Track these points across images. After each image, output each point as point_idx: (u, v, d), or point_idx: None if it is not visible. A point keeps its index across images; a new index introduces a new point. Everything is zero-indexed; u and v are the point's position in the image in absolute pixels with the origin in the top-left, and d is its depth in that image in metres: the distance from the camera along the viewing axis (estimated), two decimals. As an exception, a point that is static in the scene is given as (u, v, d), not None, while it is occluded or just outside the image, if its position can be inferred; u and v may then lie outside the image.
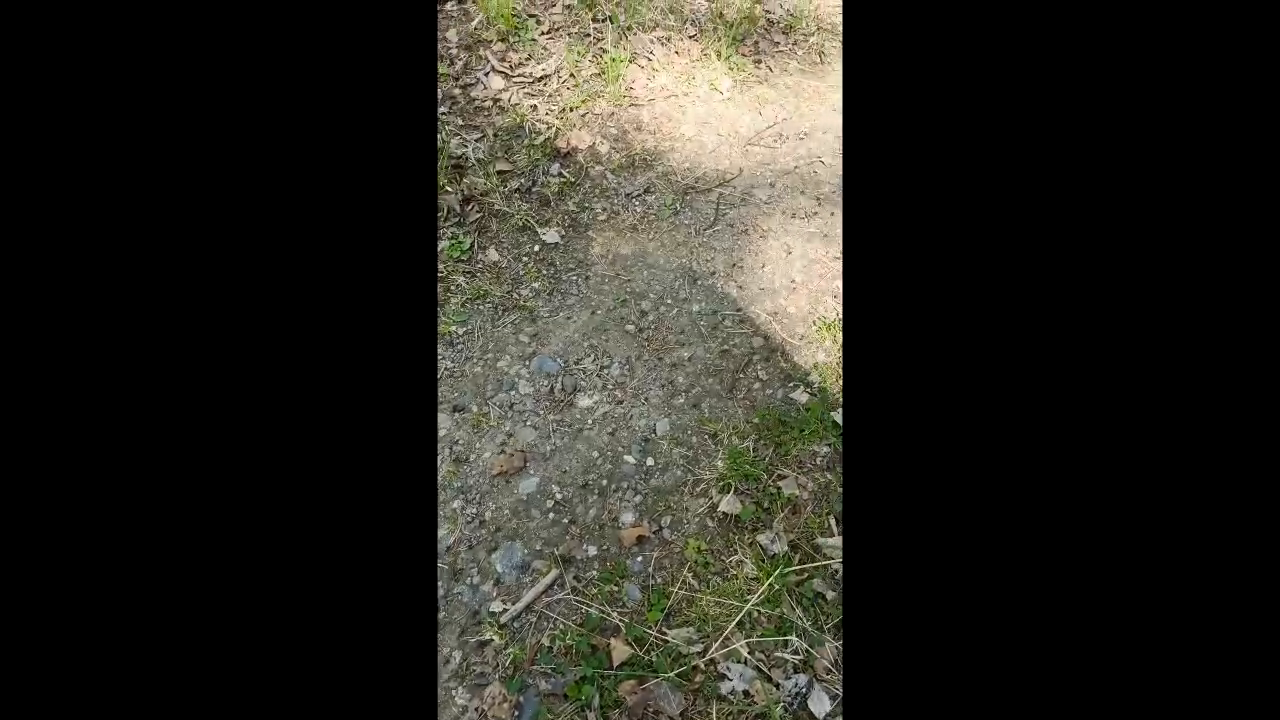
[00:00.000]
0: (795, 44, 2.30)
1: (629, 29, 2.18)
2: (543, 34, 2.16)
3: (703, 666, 1.09)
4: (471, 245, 1.68)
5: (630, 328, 1.57)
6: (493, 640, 1.13)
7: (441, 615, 1.17)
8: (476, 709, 1.07)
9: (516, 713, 1.06)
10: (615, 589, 1.19)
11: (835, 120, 2.08)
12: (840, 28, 2.36)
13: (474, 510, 1.29)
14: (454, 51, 2.10)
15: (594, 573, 1.21)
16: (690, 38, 2.24)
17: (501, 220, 1.75)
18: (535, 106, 1.97)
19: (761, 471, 1.32)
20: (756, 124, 2.06)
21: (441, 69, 2.04)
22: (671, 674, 1.07)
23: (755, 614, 1.14)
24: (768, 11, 2.36)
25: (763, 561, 1.20)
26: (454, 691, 1.09)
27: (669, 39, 2.19)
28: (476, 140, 1.88)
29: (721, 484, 1.31)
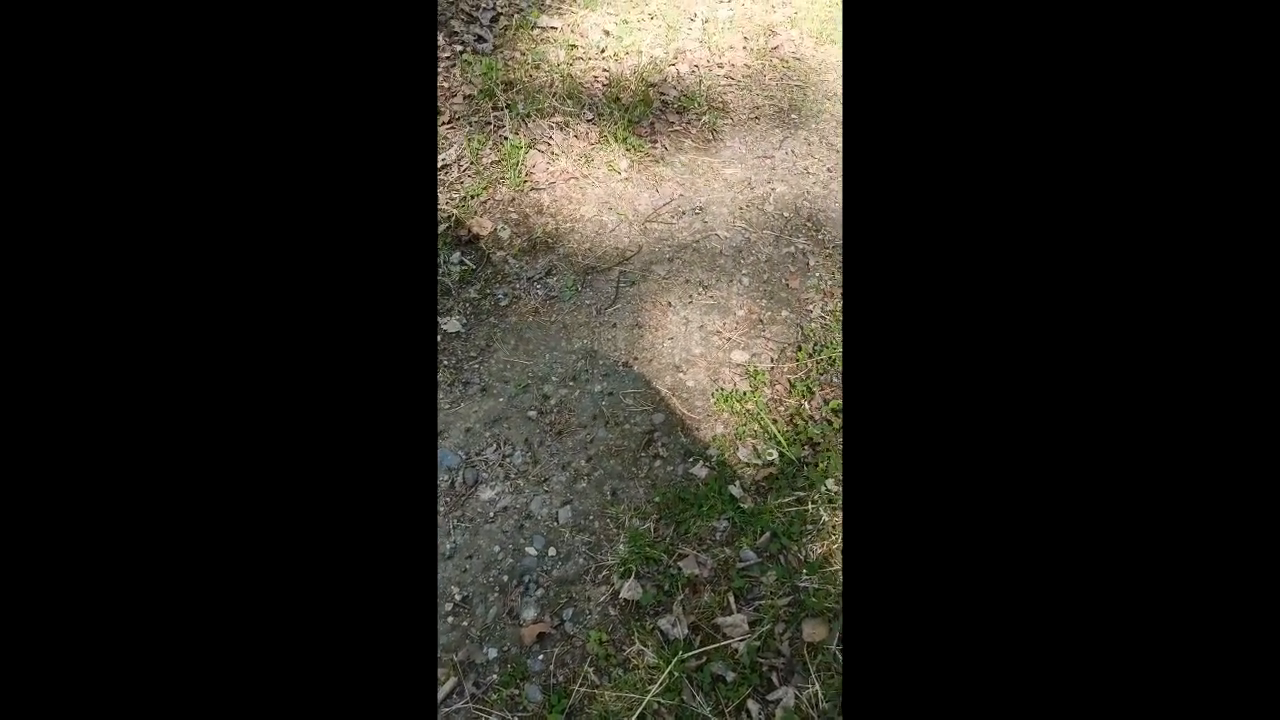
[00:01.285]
0: (689, 123, 2.43)
1: (528, 116, 2.27)
2: (443, 124, 2.22)
3: (604, 767, 1.08)
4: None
5: (533, 413, 1.58)
6: None
7: None
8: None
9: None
10: (516, 692, 1.17)
11: (728, 194, 2.20)
12: (730, 106, 2.51)
13: (370, 620, 1.25)
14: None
15: (494, 676, 1.19)
16: (588, 121, 2.34)
17: (402, 312, 1.76)
18: (437, 196, 2.02)
19: (662, 553, 1.34)
20: (654, 201, 2.15)
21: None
22: (570, 780, 1.05)
23: (656, 705, 1.13)
24: (662, 94, 2.50)
25: (663, 648, 1.20)
26: None
27: (567, 124, 2.29)
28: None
29: (623, 569, 1.32)
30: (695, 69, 2.56)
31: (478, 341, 1.73)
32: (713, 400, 1.62)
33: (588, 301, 1.84)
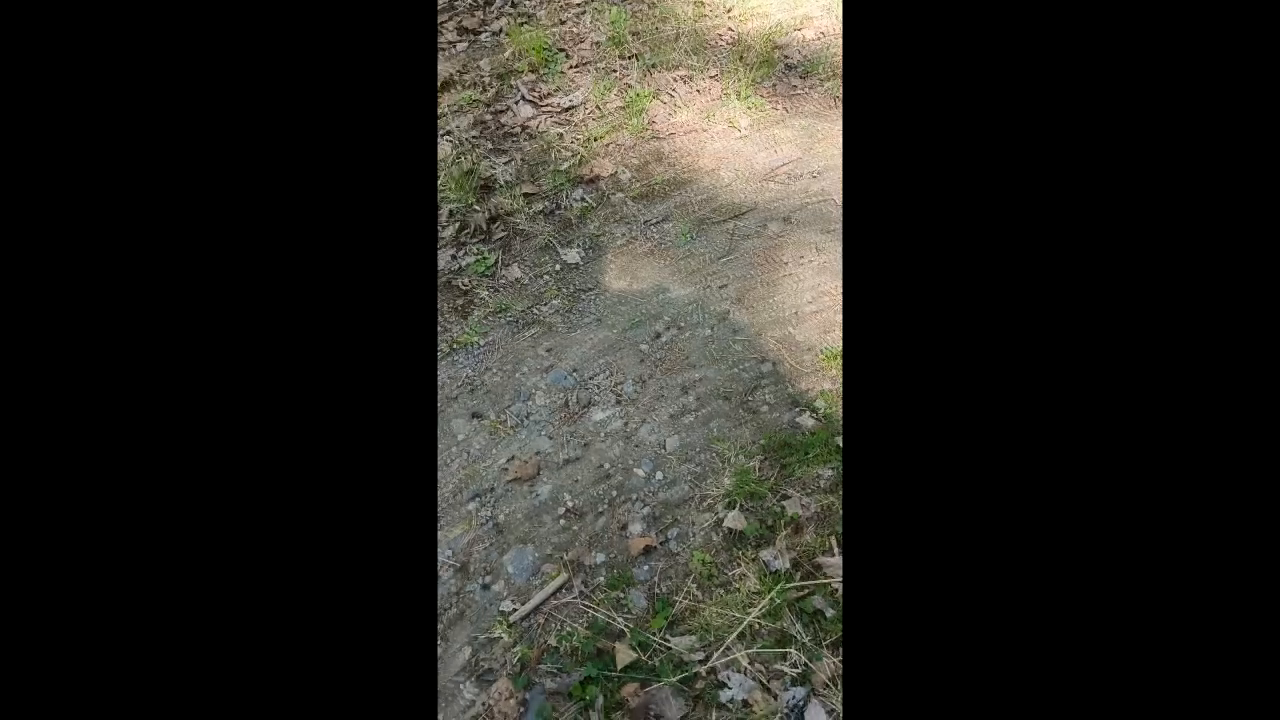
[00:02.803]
0: (811, 88, 2.41)
1: (653, 66, 2.29)
2: (571, 67, 2.27)
3: (704, 674, 1.13)
4: (495, 262, 1.76)
5: (644, 347, 1.63)
6: (502, 638, 1.17)
7: (453, 611, 1.21)
8: (484, 704, 1.10)
9: (522, 709, 1.09)
10: (621, 595, 1.23)
11: (846, 162, 2.18)
12: (854, 76, 2.48)
13: (488, 513, 1.33)
14: (486, 79, 2.21)
15: (601, 579, 1.25)
16: (711, 77, 2.35)
17: (525, 239, 1.83)
18: (561, 135, 2.07)
19: (766, 490, 1.37)
20: (771, 161, 2.16)
21: (475, 95, 2.14)
22: (674, 679, 1.11)
23: (757, 626, 1.18)
24: (786, 57, 2.48)
25: (765, 576, 1.24)
26: (462, 686, 1.12)
27: (691, 78, 2.30)
28: (505, 163, 1.97)
29: (727, 500, 1.36)
30: (821, 35, 2.53)
31: (594, 275, 1.78)
32: (821, 357, 1.64)
33: (701, 250, 1.87)
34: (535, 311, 1.68)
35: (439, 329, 1.63)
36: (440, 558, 1.28)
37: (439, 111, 2.10)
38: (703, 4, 2.54)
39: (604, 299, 1.73)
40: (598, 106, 2.16)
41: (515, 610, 1.20)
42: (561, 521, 1.33)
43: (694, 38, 2.40)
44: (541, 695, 1.10)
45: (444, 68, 2.25)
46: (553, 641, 1.16)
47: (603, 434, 1.47)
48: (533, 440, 1.44)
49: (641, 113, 2.14)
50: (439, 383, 1.54)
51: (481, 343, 1.60)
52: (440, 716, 1.10)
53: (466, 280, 1.72)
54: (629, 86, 2.22)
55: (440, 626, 1.19)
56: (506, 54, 2.24)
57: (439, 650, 1.17)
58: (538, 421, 1.48)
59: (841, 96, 2.38)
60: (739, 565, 1.26)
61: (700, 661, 1.14)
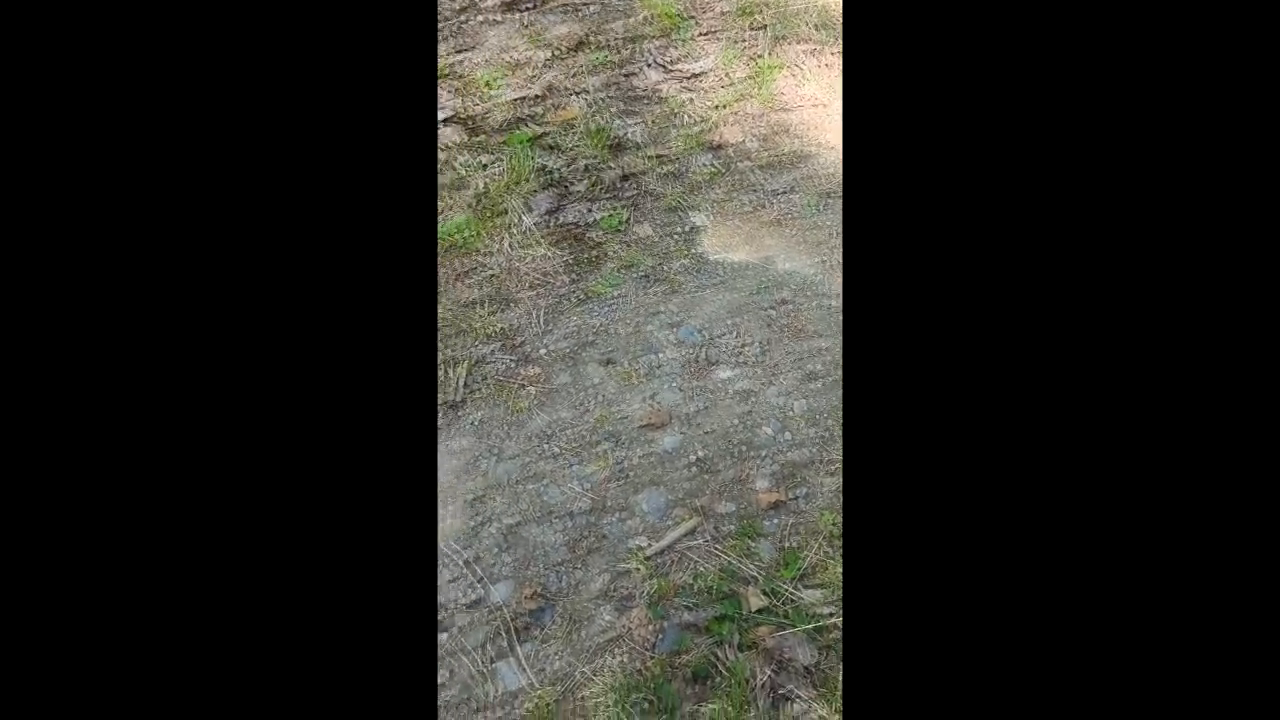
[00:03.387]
0: (939, 70, 2.36)
1: (781, 39, 2.28)
2: (700, 34, 2.27)
3: (833, 628, 1.15)
4: (626, 219, 1.80)
5: (770, 312, 1.65)
6: (636, 570, 1.22)
7: (589, 541, 1.26)
8: (622, 627, 1.15)
9: (659, 636, 1.14)
10: (750, 544, 1.26)
11: (973, 147, 2.13)
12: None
13: (621, 454, 1.38)
14: (618, 41, 2.24)
15: (730, 527, 1.29)
16: (835, 54, 2.32)
17: (654, 200, 1.86)
18: (690, 100, 2.09)
19: (893, 460, 1.38)
20: (897, 141, 2.13)
21: (606, 56, 2.18)
22: (807, 627, 1.14)
23: (886, 587, 1.19)
24: (915, 37, 2.44)
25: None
26: (601, 609, 1.18)
27: (819, 52, 2.28)
28: (634, 124, 2.00)
29: (854, 466, 1.37)
30: (953, 17, 2.47)
31: (721, 238, 1.80)
32: (948, 337, 1.63)
33: (827, 223, 1.87)
34: (663, 269, 1.72)
35: (572, 278, 1.68)
36: (576, 490, 1.33)
37: (572, 71, 2.14)
38: (833, -22, 2.51)
39: (730, 263, 1.75)
40: (725, 75, 2.16)
41: (649, 546, 1.25)
42: (691, 470, 1.37)
43: (821, 13, 2.37)
44: (677, 626, 1.15)
45: (576, 28, 2.29)
46: (686, 579, 1.21)
47: (730, 392, 1.50)
48: (662, 391, 1.48)
49: (769, 83, 2.14)
50: (572, 329, 1.59)
51: (613, 294, 1.65)
52: (580, 635, 1.16)
53: (598, 234, 1.76)
54: (757, 57, 2.21)
55: (578, 554, 1.25)
56: (637, 18, 2.26)
57: (576, 577, 1.23)
58: (668, 374, 1.51)
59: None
60: (868, 528, 1.28)
61: (829, 615, 1.16)
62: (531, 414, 1.45)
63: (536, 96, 2.04)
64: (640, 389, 1.48)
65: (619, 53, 2.18)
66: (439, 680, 1.11)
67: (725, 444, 1.41)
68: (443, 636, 1.16)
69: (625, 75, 2.13)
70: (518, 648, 1.14)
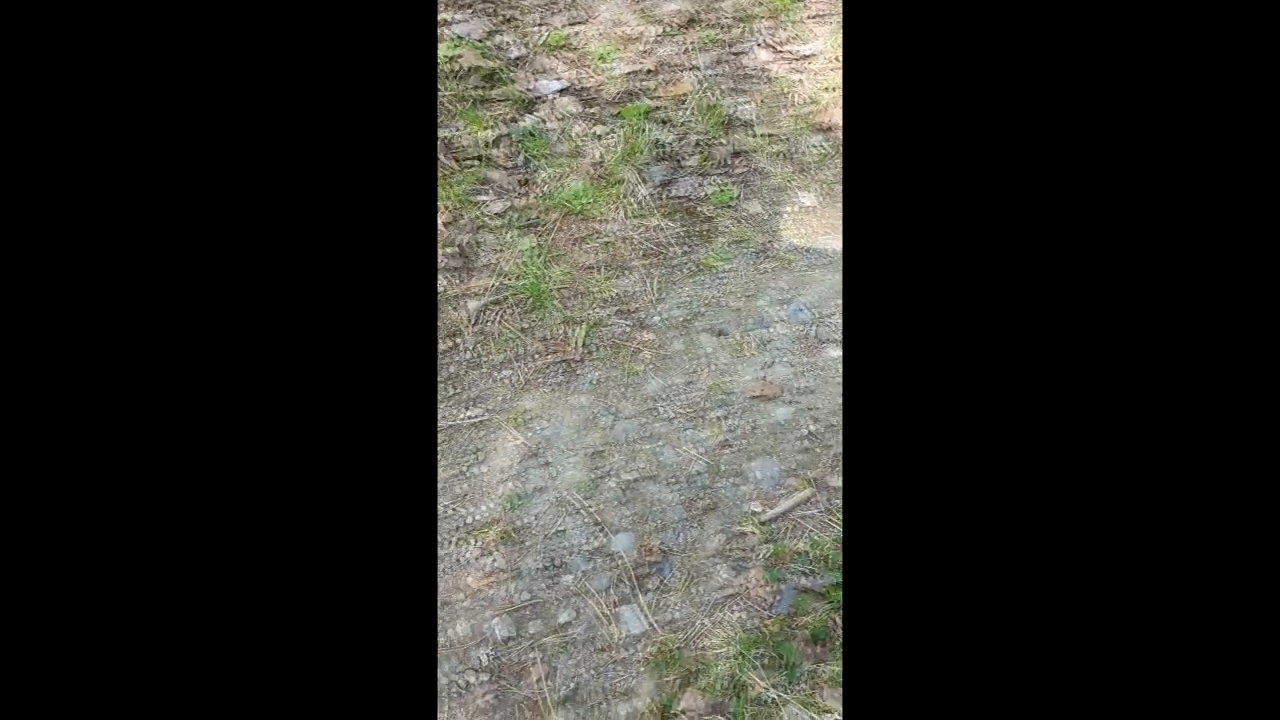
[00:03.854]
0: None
1: (892, 24, 2.26)
2: (809, 17, 2.26)
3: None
4: (737, 195, 1.81)
5: (880, 296, 1.65)
6: (752, 533, 1.25)
7: (704, 503, 1.30)
8: (739, 585, 1.19)
9: (777, 597, 1.17)
10: (863, 518, 1.28)
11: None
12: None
13: (733, 422, 1.41)
14: (728, 21, 2.24)
15: (842, 500, 1.31)
16: (947, 42, 2.29)
17: (763, 178, 1.87)
18: (800, 81, 2.09)
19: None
20: (1008, 133, 2.09)
21: (716, 34, 2.19)
22: (924, 600, 1.15)
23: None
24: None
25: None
26: (717, 567, 1.21)
27: (930, 39, 2.25)
28: (744, 103, 2.01)
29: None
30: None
31: (829, 220, 1.81)
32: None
33: (937, 211, 1.86)
34: (773, 247, 1.73)
35: (684, 249, 1.71)
36: (691, 453, 1.37)
37: (683, 47, 2.16)
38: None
39: (839, 245, 1.76)
40: (834, 58, 2.15)
41: (763, 512, 1.28)
42: (803, 443, 1.39)
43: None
44: (794, 589, 1.18)
45: (686, 6, 2.30)
46: (802, 546, 1.23)
47: (839, 370, 1.51)
48: (774, 365, 1.51)
49: (879, 69, 2.12)
50: (685, 298, 1.62)
51: (724, 268, 1.67)
52: (698, 590, 1.20)
53: (709, 209, 1.78)
54: (867, 41, 2.20)
55: (694, 514, 1.29)
56: (746, -2, 2.27)
57: (692, 535, 1.26)
58: (778, 349, 1.54)
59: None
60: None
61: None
62: (646, 377, 1.48)
63: (649, 71, 2.06)
64: (752, 361, 1.51)
65: (729, 31, 2.19)
66: (564, 619, 1.16)
67: (837, 420, 1.42)
68: (567, 578, 1.21)
69: (735, 54, 2.14)
70: (639, 595, 1.18)
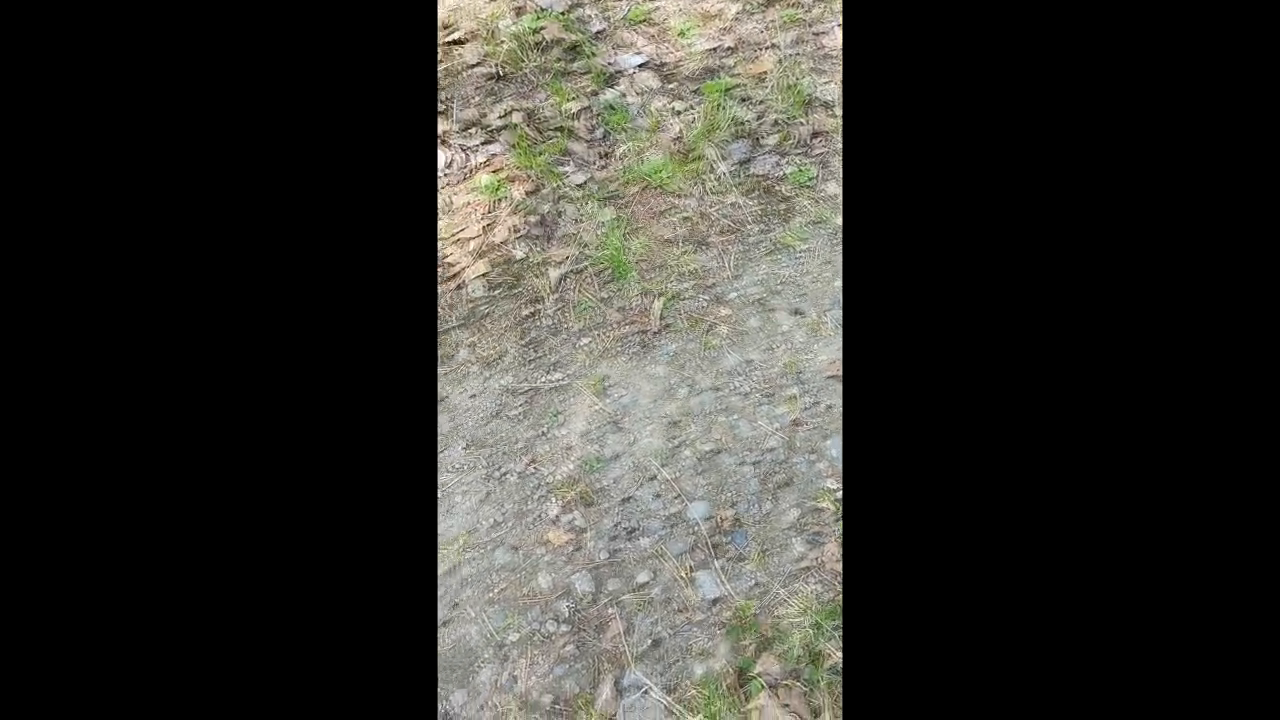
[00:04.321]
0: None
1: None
2: None
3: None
4: (816, 175, 1.80)
5: (960, 283, 1.63)
6: (826, 509, 1.26)
7: (780, 477, 1.31)
8: (815, 559, 1.20)
9: (853, 572, 1.18)
10: (940, 502, 1.28)
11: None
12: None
13: (809, 400, 1.42)
14: (808, 2, 2.22)
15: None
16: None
17: (840, 158, 1.86)
18: (882, 63, 2.06)
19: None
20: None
21: (796, 14, 2.16)
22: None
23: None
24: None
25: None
26: (793, 541, 1.23)
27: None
28: (825, 83, 1.99)
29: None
30: None
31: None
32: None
33: (1020, 200, 1.82)
34: (850, 229, 1.72)
35: (761, 228, 1.71)
36: (767, 428, 1.38)
37: (764, 25, 2.14)
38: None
39: (916, 230, 1.74)
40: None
41: (839, 490, 1.29)
42: (880, 423, 1.39)
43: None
44: (871, 566, 1.19)
45: (766, -17, 2.28)
46: (878, 524, 1.24)
47: (917, 355, 1.50)
48: (850, 346, 1.51)
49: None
50: (762, 276, 1.63)
51: (802, 248, 1.67)
52: (774, 561, 1.22)
53: (787, 188, 1.78)
54: (952, 24, 2.15)
55: (769, 488, 1.30)
56: (828, -23, 2.23)
57: (767, 507, 1.28)
58: (855, 330, 1.53)
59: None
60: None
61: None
62: (723, 352, 1.50)
63: (729, 48, 2.05)
64: (828, 341, 1.51)
65: (809, 11, 2.16)
66: (642, 579, 1.19)
67: (913, 404, 1.42)
68: (644, 541, 1.24)
69: (815, 34, 2.11)
70: (715, 561, 1.21)
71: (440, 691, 1.10)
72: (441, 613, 1.18)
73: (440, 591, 1.21)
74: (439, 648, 1.14)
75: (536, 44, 1.98)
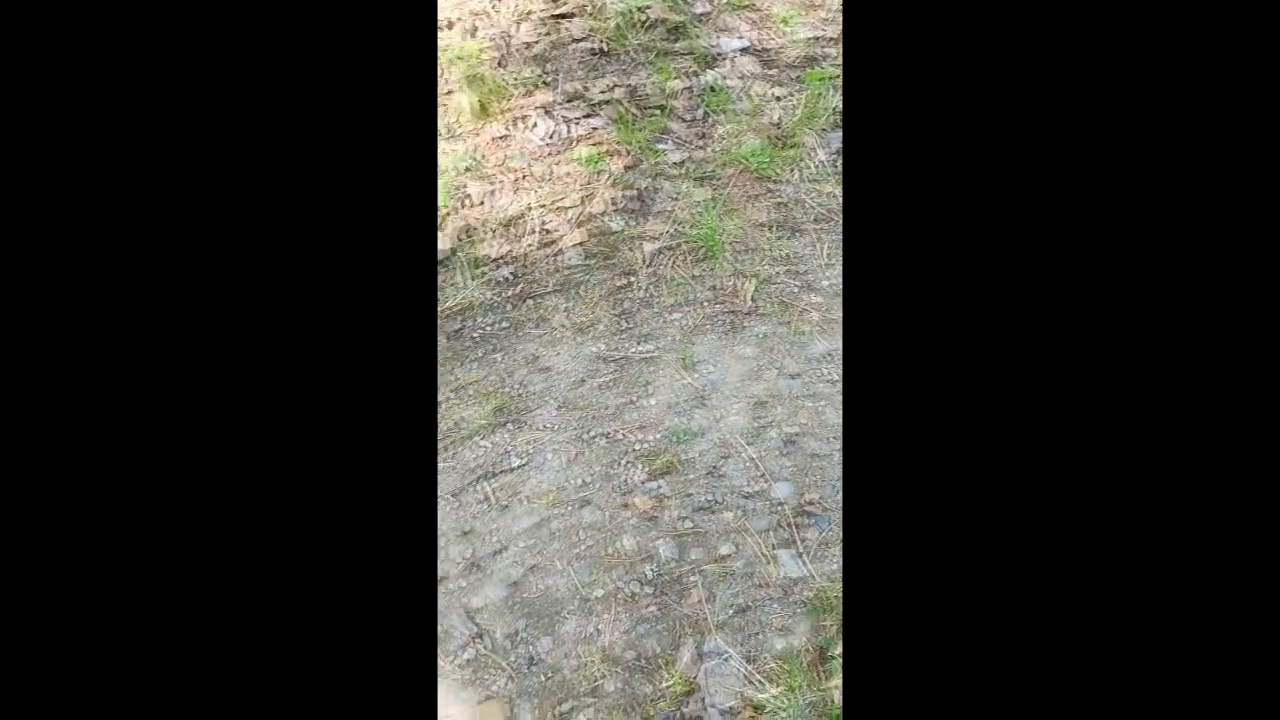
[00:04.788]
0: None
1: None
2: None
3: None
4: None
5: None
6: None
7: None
8: (900, 549, 1.20)
9: (938, 566, 1.18)
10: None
11: None
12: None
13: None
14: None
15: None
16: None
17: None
18: (988, 63, 2.01)
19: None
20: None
21: (903, 7, 2.13)
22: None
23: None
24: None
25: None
26: (877, 528, 1.23)
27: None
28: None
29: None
30: None
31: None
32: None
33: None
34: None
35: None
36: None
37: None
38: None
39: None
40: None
41: (925, 484, 1.28)
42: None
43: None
44: (956, 561, 1.18)
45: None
46: (964, 521, 1.23)
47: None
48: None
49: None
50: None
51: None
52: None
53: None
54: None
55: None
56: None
57: (850, 493, 1.28)
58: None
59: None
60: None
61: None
62: (812, 338, 1.50)
63: (831, 39, 2.03)
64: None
65: None
66: (725, 551, 1.21)
67: (1004, 407, 1.40)
68: (727, 515, 1.26)
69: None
70: (798, 542, 1.22)
71: (526, 636, 1.14)
72: (529, 560, 1.23)
73: (530, 542, 1.25)
74: (525, 594, 1.18)
75: (641, 22, 2.00)
